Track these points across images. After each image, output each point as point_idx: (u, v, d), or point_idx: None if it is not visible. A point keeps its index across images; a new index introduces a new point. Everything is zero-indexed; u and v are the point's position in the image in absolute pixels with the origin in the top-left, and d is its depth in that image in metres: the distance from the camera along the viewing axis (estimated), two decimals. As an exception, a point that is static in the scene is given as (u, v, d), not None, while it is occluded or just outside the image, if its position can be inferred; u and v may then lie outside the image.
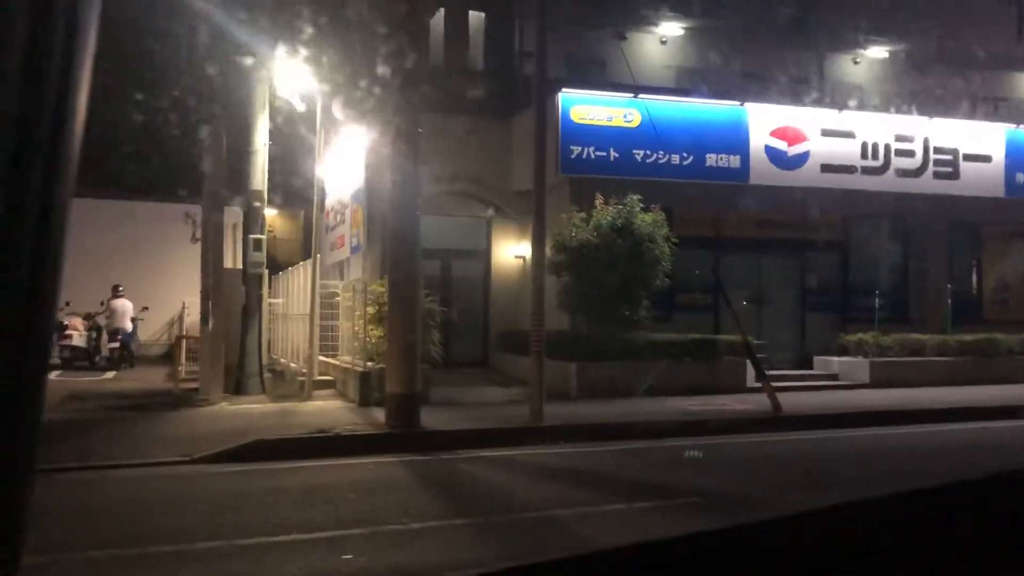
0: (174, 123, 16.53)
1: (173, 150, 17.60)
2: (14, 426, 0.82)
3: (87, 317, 19.84)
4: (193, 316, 16.38)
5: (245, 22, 13.00)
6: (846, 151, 16.85)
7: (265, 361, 14.83)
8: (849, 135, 16.92)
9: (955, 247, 19.00)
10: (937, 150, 17.47)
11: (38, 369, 0.85)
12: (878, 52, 21.86)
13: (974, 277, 19.40)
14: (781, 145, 16.40)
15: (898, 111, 18.22)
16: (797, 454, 9.82)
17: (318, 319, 14.58)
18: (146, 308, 20.76)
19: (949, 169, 17.56)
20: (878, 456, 9.65)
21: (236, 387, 13.78)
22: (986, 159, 17.86)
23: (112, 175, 20.03)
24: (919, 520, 1.28)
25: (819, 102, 18.44)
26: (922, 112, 17.94)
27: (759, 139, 16.27)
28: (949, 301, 17.91)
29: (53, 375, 17.30)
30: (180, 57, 14.69)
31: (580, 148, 15.32)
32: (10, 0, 0.78)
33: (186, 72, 14.59)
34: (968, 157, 17.68)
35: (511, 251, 17.79)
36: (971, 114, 19.44)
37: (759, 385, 12.45)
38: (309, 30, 13.11)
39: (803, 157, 16.52)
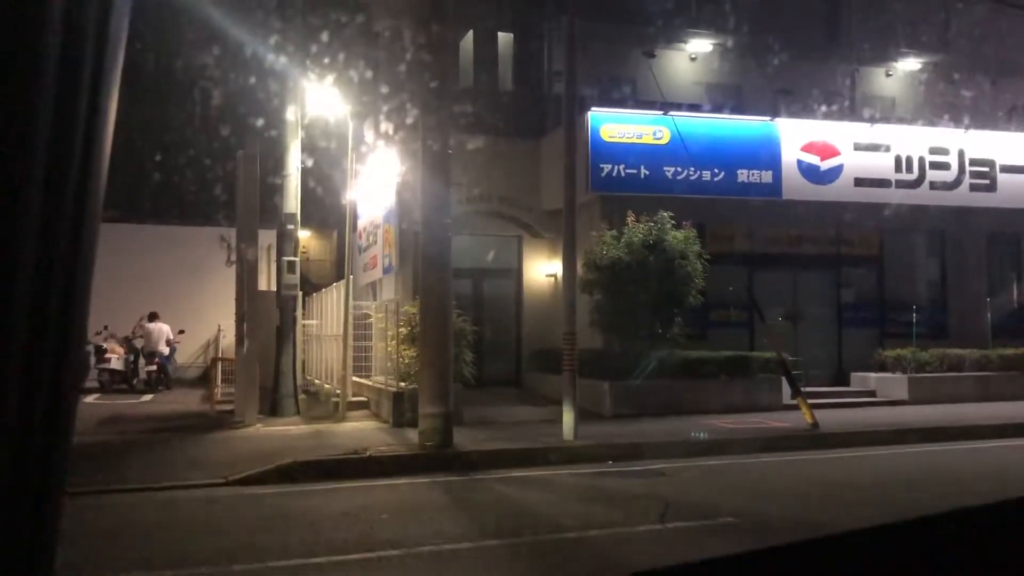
0: (209, 147, 16.78)
1: (208, 174, 17.87)
2: (48, 441, 0.83)
3: (124, 340, 20.11)
4: (229, 338, 16.53)
5: (277, 47, 13.20)
6: (880, 165, 16.68)
7: (299, 382, 14.92)
8: (883, 148, 16.75)
9: (993, 259, 18.68)
10: (973, 162, 17.23)
11: (71, 388, 0.86)
12: (911, 64, 21.65)
13: (1014, 290, 19.05)
14: (813, 160, 16.28)
15: (932, 123, 18.02)
16: (834, 473, 9.67)
17: (351, 340, 14.65)
18: (182, 331, 20.99)
19: (986, 181, 17.31)
20: (918, 475, 9.47)
21: (271, 408, 13.87)
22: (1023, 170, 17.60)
23: (149, 200, 20.35)
24: (949, 544, 1.25)
25: (851, 116, 18.30)
26: (957, 124, 17.73)
27: (791, 154, 16.16)
28: (988, 315, 17.60)
29: (91, 398, 17.53)
30: (215, 83, 14.95)
31: (610, 166, 15.31)
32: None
33: (221, 97, 14.84)
34: (1005, 168, 17.43)
35: (542, 269, 17.79)
36: (1007, 124, 19.18)
37: (795, 402, 12.30)
38: (340, 54, 13.28)
39: (836, 171, 16.37)
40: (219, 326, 19.87)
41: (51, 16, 0.79)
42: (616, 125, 15.53)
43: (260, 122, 14.15)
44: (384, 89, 13.98)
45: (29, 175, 0.78)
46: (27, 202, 0.78)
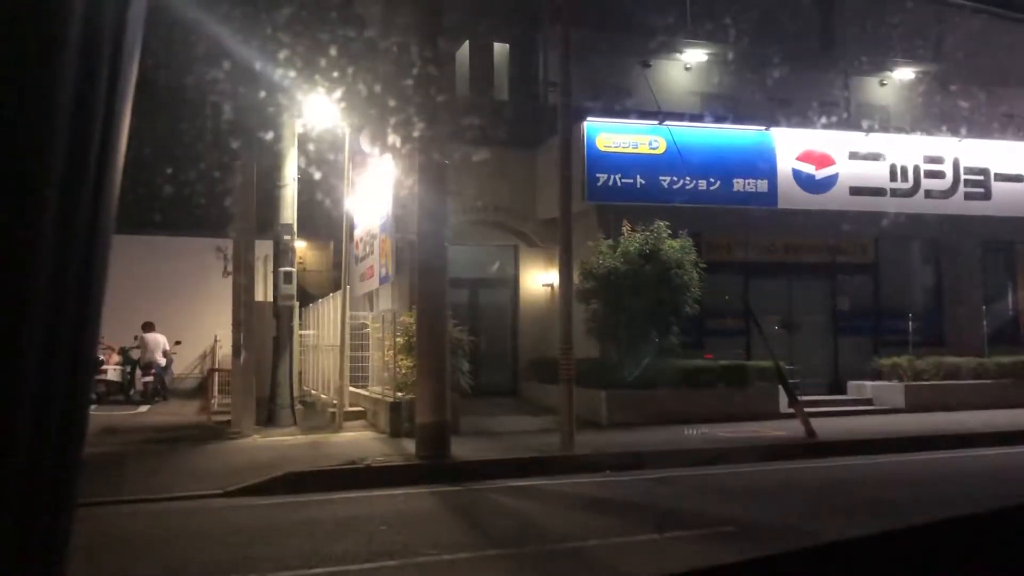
0: (205, 158, 16.78)
1: (204, 185, 17.85)
2: (62, 451, 0.84)
3: (121, 351, 20.06)
4: (225, 349, 16.50)
5: (274, 59, 13.22)
6: (875, 173, 16.73)
7: (296, 393, 14.89)
8: (877, 157, 16.80)
9: (989, 268, 18.73)
10: (968, 170, 17.28)
11: (83, 397, 0.87)
12: (906, 74, 21.74)
13: (1010, 298, 19.10)
14: (809, 169, 16.32)
15: (927, 132, 18.08)
16: (832, 481, 9.67)
17: (348, 350, 14.63)
18: (179, 342, 20.95)
19: (981, 189, 17.36)
20: (916, 483, 9.48)
21: (268, 419, 13.85)
22: (1018, 178, 17.65)
23: (145, 211, 20.32)
24: (948, 549, 1.26)
25: (847, 125, 18.35)
26: (951, 133, 17.79)
27: (786, 163, 16.21)
28: (985, 323, 17.63)
29: (88, 409, 17.45)
30: (212, 94, 14.94)
31: (606, 176, 15.34)
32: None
33: (217, 108, 14.84)
34: (1000, 177, 17.49)
35: (539, 279, 17.80)
36: (1001, 133, 19.25)
37: (792, 411, 12.31)
38: (337, 66, 13.30)
39: (831, 180, 16.42)
40: (215, 337, 19.81)
41: (70, 27, 0.81)
42: (612, 135, 15.56)
43: (257, 133, 14.14)
44: (381, 100, 13.97)
45: (47, 182, 0.79)
46: (44, 210, 0.79)
